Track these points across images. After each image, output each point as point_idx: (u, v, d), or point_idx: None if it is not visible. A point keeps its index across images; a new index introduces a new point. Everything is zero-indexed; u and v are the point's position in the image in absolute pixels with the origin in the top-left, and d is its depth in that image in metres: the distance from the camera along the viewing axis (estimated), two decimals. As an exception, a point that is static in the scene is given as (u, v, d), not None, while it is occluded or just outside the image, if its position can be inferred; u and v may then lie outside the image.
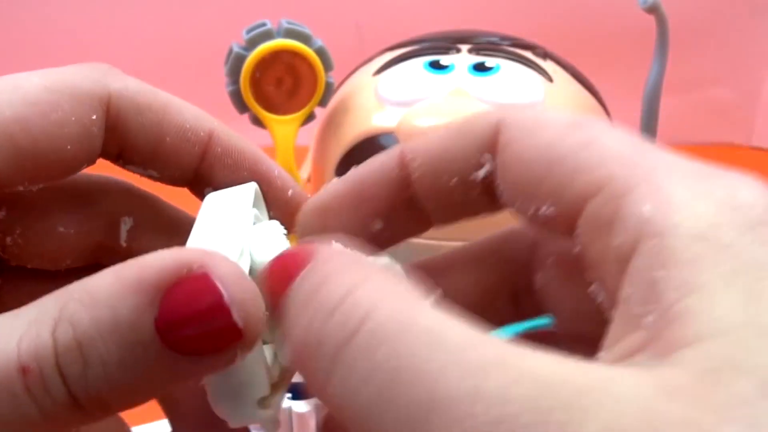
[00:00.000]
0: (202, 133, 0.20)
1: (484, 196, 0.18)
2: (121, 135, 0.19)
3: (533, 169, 0.16)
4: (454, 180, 0.18)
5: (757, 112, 0.87)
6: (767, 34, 0.86)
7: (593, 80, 0.49)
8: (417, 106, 0.43)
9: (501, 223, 0.42)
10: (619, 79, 0.68)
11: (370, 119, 0.44)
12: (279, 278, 0.15)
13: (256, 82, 0.44)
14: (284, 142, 0.45)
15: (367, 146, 0.44)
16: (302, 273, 0.15)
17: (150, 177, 0.21)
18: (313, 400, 0.35)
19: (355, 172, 0.19)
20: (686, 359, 0.12)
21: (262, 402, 0.17)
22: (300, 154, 0.47)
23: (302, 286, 0.14)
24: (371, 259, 0.16)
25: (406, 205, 0.19)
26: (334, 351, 0.13)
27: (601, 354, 0.14)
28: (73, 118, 0.18)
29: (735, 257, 0.13)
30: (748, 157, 0.86)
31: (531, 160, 0.16)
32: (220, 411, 0.17)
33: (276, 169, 0.21)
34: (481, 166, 0.17)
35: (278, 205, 0.21)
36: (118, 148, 0.20)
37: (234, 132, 0.21)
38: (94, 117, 0.19)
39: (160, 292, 0.14)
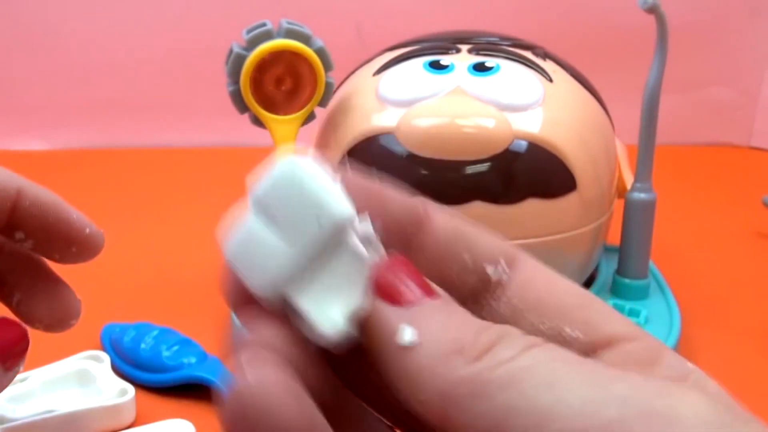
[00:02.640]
0: (12, 190, 0.25)
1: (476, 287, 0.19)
2: None
3: (564, 300, 0.18)
4: (468, 257, 0.19)
5: (756, 112, 0.87)
6: (767, 34, 0.86)
7: (593, 80, 0.49)
8: (417, 106, 0.43)
9: (505, 221, 0.42)
10: (619, 79, 0.68)
11: (370, 119, 0.44)
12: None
13: (256, 82, 0.44)
14: (284, 142, 0.45)
15: (367, 146, 0.44)
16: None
17: None
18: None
19: (378, 183, 0.20)
20: None
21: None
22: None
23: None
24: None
25: (404, 244, 0.20)
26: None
27: None
28: None
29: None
30: (748, 157, 0.86)
31: (550, 293, 0.18)
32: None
33: (74, 212, 0.26)
34: (497, 265, 0.19)
35: (78, 241, 0.26)
36: None
37: (40, 186, 0.26)
38: None
39: None
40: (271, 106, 0.45)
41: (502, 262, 0.19)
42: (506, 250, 0.19)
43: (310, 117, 0.46)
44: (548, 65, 0.46)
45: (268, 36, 0.44)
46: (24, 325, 0.25)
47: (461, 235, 0.19)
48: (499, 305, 0.18)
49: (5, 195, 0.24)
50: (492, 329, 0.16)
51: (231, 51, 0.44)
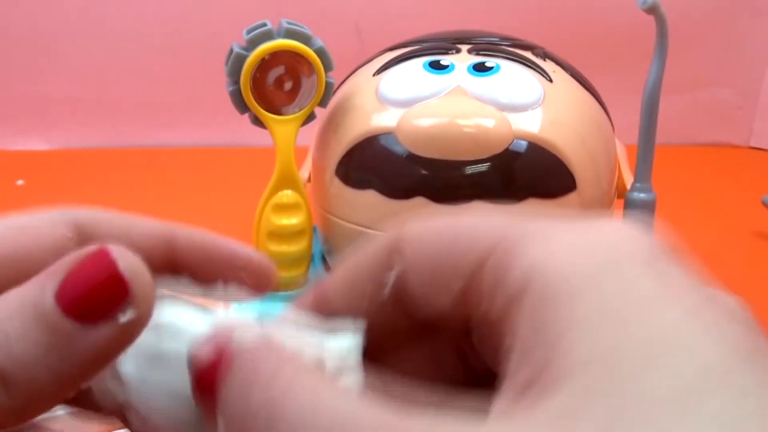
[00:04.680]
0: (166, 231, 0.22)
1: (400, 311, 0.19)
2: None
3: (434, 261, 0.18)
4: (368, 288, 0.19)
5: (756, 112, 0.88)
6: (767, 34, 0.86)
7: (593, 80, 0.49)
8: (417, 106, 0.43)
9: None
10: (619, 79, 0.68)
11: (370, 119, 0.44)
12: (205, 380, 0.17)
13: (256, 82, 0.44)
14: (284, 142, 0.45)
15: (367, 146, 0.44)
16: (227, 377, 0.16)
17: None
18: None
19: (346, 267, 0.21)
20: (543, 406, 0.13)
21: None
22: (300, 154, 0.47)
23: (229, 391, 0.16)
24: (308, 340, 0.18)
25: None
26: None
27: (496, 398, 0.15)
28: (48, 233, 0.20)
29: (605, 292, 0.14)
30: (747, 157, 0.86)
31: (430, 255, 0.18)
32: None
33: (232, 246, 0.23)
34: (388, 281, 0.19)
35: (250, 271, 0.23)
36: None
37: (192, 230, 0.23)
38: (69, 235, 0.20)
39: (61, 271, 0.17)
40: (271, 106, 0.45)
41: (389, 274, 0.19)
42: (386, 257, 0.19)
43: (310, 117, 0.46)
44: (548, 65, 0.47)
45: (268, 36, 0.44)
46: (119, 262, 0.17)
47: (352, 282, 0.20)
48: (418, 305, 0.19)
49: (160, 234, 0.22)
50: None
51: (231, 51, 0.44)
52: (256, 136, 0.49)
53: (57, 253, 0.19)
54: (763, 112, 0.87)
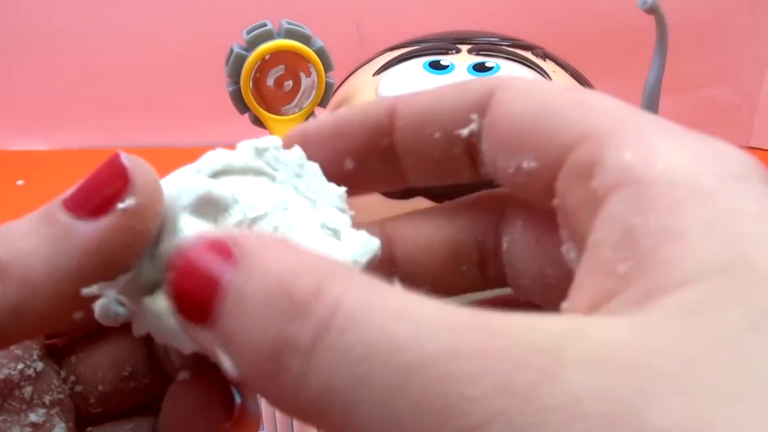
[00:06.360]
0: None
1: (465, 157, 0.18)
2: None
3: (520, 125, 0.16)
4: (438, 134, 0.18)
5: (756, 112, 0.88)
6: (767, 34, 0.86)
7: (593, 80, 0.49)
8: (417, 106, 0.43)
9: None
10: (619, 79, 0.68)
11: (370, 119, 0.44)
12: (201, 280, 0.13)
13: (256, 82, 0.44)
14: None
15: (367, 146, 0.44)
16: (238, 269, 0.13)
17: None
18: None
19: (344, 109, 0.20)
20: (668, 304, 0.11)
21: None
22: (300, 154, 0.47)
23: (250, 284, 0.13)
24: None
25: (382, 154, 0.19)
26: (309, 349, 0.12)
27: (565, 304, 0.13)
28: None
29: (715, 204, 0.12)
30: (748, 157, 0.86)
31: (519, 116, 0.16)
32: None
33: None
34: (468, 123, 0.17)
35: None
36: None
37: None
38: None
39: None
40: (271, 106, 0.45)
41: (472, 115, 0.17)
42: (477, 98, 0.17)
43: (310, 117, 0.46)
44: (548, 65, 0.47)
45: (268, 36, 0.44)
46: (123, 157, 0.17)
47: (425, 115, 0.18)
48: (483, 160, 0.17)
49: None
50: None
51: (231, 51, 0.44)
52: (256, 136, 0.49)
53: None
54: (763, 112, 0.87)
